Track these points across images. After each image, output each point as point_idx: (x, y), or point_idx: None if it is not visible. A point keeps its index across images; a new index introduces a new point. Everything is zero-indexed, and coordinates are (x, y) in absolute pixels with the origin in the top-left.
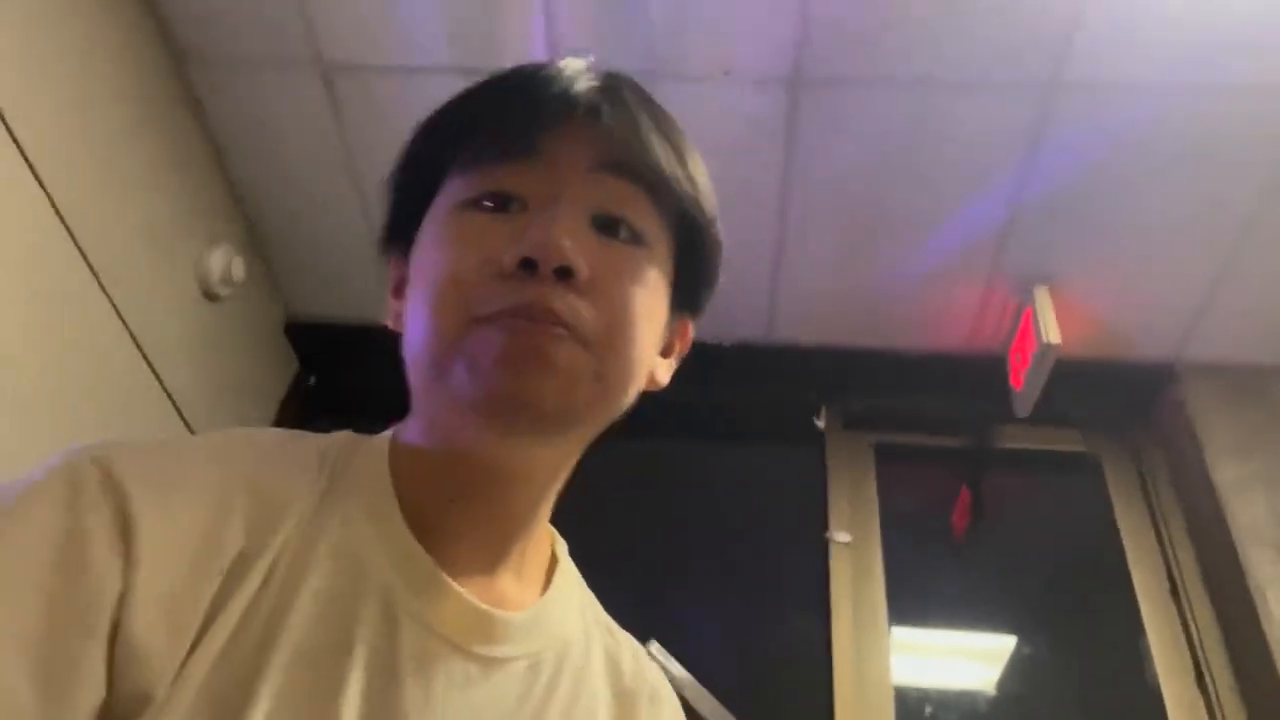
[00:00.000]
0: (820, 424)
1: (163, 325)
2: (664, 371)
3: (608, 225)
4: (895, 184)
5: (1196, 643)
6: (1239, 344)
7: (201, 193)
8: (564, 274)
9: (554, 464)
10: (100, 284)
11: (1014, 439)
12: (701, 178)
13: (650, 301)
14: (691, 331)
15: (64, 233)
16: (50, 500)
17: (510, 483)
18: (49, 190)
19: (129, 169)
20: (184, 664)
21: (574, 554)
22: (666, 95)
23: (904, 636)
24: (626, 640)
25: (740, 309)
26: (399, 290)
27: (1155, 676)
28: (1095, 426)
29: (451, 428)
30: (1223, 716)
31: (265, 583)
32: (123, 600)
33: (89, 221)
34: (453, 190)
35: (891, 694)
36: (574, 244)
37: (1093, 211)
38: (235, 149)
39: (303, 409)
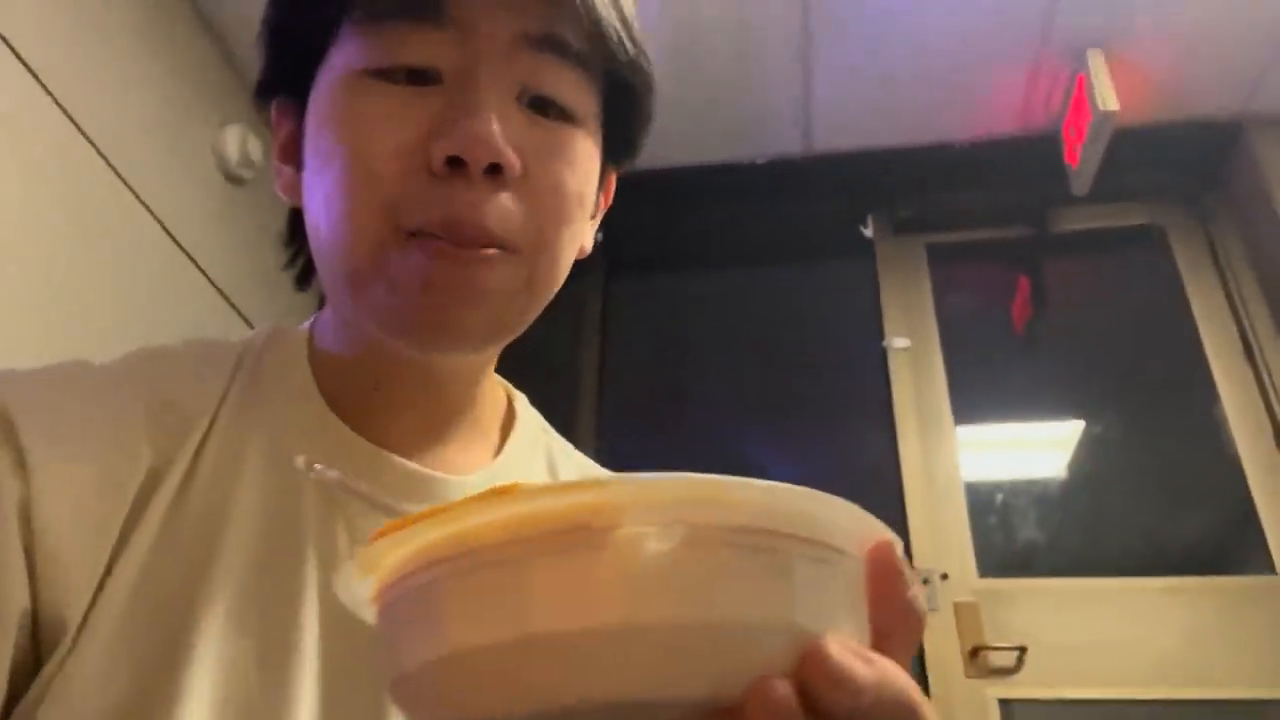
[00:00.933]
0: (868, 232)
1: (190, 214)
2: (589, 237)
3: (536, 104)
4: None
5: (1275, 403)
6: None
7: (206, 74)
8: (494, 170)
9: (485, 359)
10: (123, 179)
11: (1073, 220)
12: (636, 24)
13: (583, 182)
14: (614, 182)
15: (75, 132)
16: None
17: (438, 380)
18: (52, 91)
19: (128, 58)
20: (103, 582)
21: (647, 393)
22: None
23: (971, 435)
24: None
25: (773, 122)
26: (287, 152)
27: (1232, 442)
28: (1159, 196)
29: (371, 335)
30: None
31: (183, 493)
32: (28, 515)
33: (97, 117)
34: (352, 50)
35: (962, 490)
36: (504, 134)
37: None
38: (232, 24)
39: None
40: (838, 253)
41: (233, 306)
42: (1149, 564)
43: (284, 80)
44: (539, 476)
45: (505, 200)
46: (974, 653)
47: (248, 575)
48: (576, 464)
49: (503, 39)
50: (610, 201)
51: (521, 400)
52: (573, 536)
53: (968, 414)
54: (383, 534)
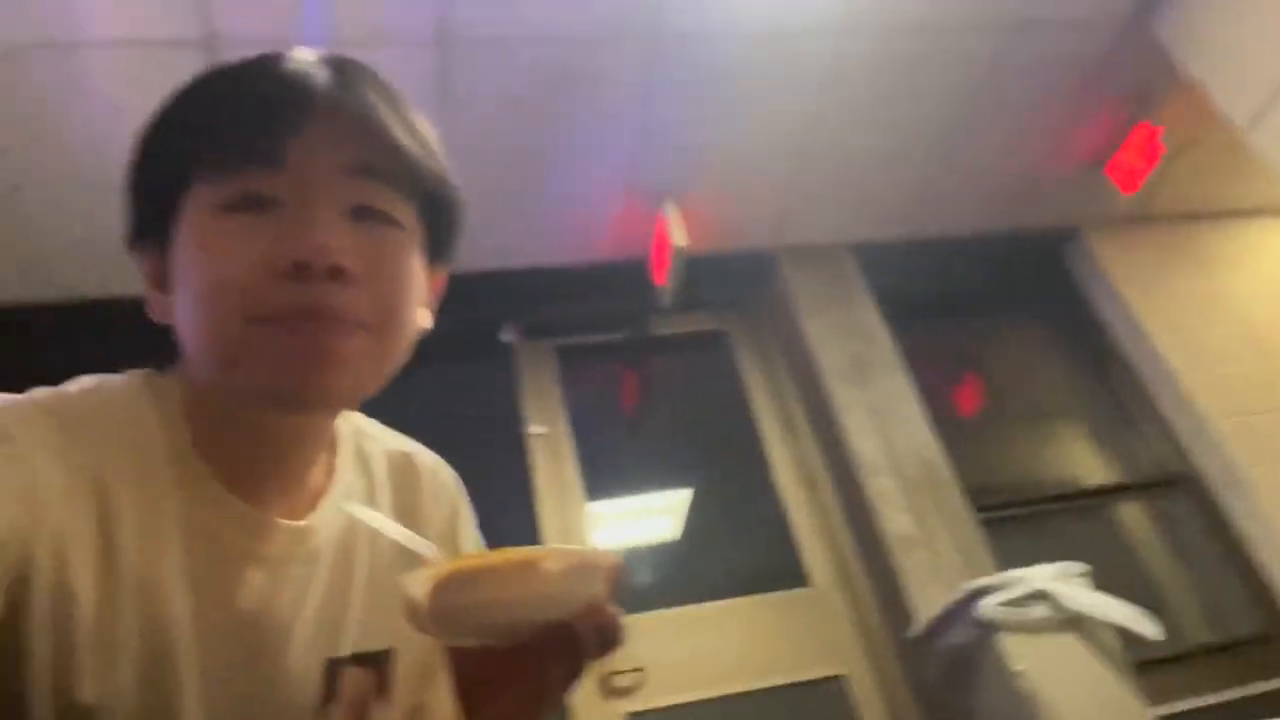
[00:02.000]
0: (508, 338)
1: None
2: (426, 318)
3: (361, 214)
4: (542, 126)
5: (804, 460)
6: (815, 229)
7: None
8: (335, 273)
9: (342, 410)
10: None
11: (664, 326)
12: (435, 146)
13: (412, 272)
14: (444, 276)
15: None
16: None
17: (304, 432)
18: None
19: None
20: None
21: None
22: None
23: (599, 508)
24: (402, 455)
25: None
26: (158, 283)
27: (781, 494)
28: (723, 307)
29: (244, 409)
30: (827, 513)
31: (114, 556)
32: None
33: None
34: (204, 193)
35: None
36: (339, 242)
37: (696, 140)
38: None
39: None
40: (484, 354)
41: None
42: (730, 590)
43: (147, 227)
44: (358, 484)
45: (348, 293)
46: (604, 679)
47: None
48: (382, 445)
49: (328, 169)
50: (441, 292)
51: (342, 416)
52: (525, 564)
53: (597, 490)
54: (448, 564)
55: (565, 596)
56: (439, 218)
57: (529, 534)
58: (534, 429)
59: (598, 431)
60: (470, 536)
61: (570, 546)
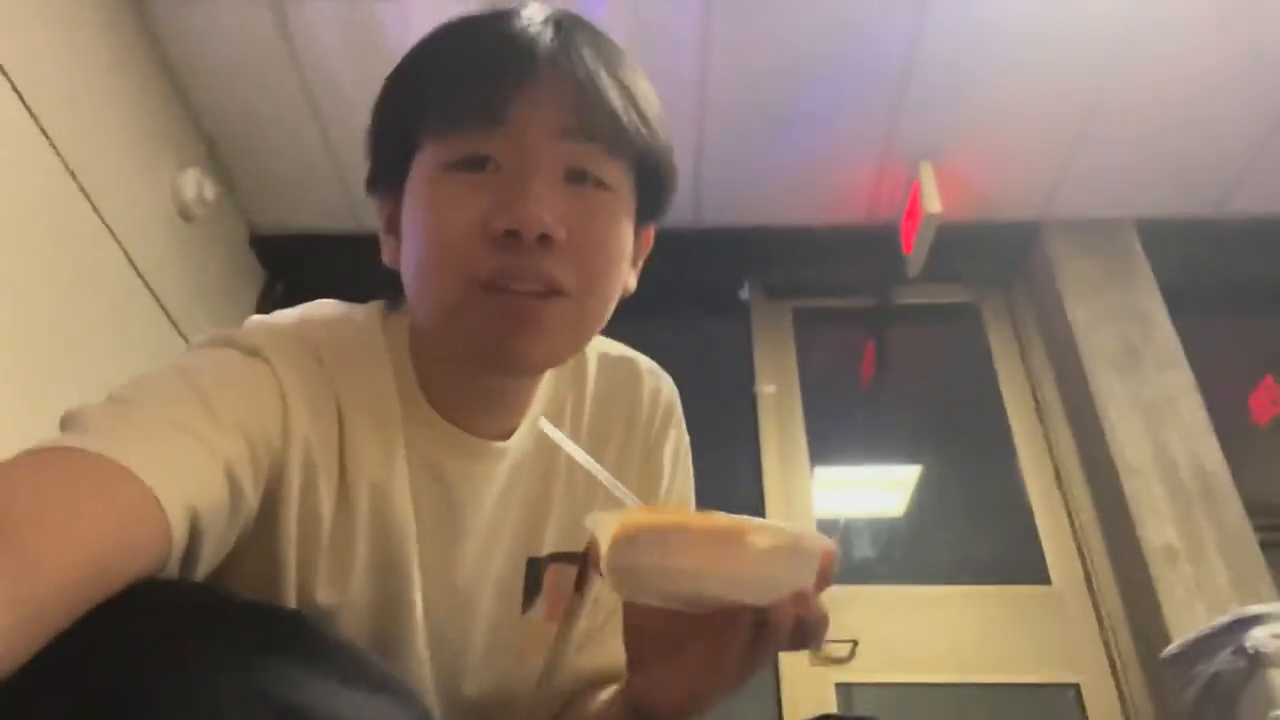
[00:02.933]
0: (745, 295)
1: (149, 247)
2: (632, 279)
3: (575, 176)
4: (799, 77)
5: (1054, 450)
6: (1091, 202)
7: (170, 121)
8: (544, 240)
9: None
10: (97, 212)
11: (909, 296)
12: (653, 110)
13: (619, 237)
14: (653, 234)
15: (65, 172)
16: (242, 369)
17: (512, 384)
18: (44, 128)
19: (106, 103)
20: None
21: None
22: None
23: (824, 474)
24: (621, 359)
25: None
26: (390, 227)
27: (1023, 480)
28: (975, 280)
29: (457, 362)
30: (1076, 511)
31: (346, 476)
32: (286, 437)
33: (84, 161)
34: (431, 153)
35: (814, 524)
36: (549, 209)
37: (965, 96)
38: (195, 77)
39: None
40: (720, 311)
41: (178, 330)
42: (958, 576)
43: (384, 176)
44: (570, 394)
45: (554, 259)
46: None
47: (416, 544)
48: (597, 350)
49: (546, 131)
50: (649, 248)
51: None
52: (727, 534)
53: (823, 455)
54: (639, 511)
55: (768, 581)
56: (652, 178)
57: (752, 492)
58: (764, 388)
59: (830, 397)
60: (680, 451)
61: (785, 524)
